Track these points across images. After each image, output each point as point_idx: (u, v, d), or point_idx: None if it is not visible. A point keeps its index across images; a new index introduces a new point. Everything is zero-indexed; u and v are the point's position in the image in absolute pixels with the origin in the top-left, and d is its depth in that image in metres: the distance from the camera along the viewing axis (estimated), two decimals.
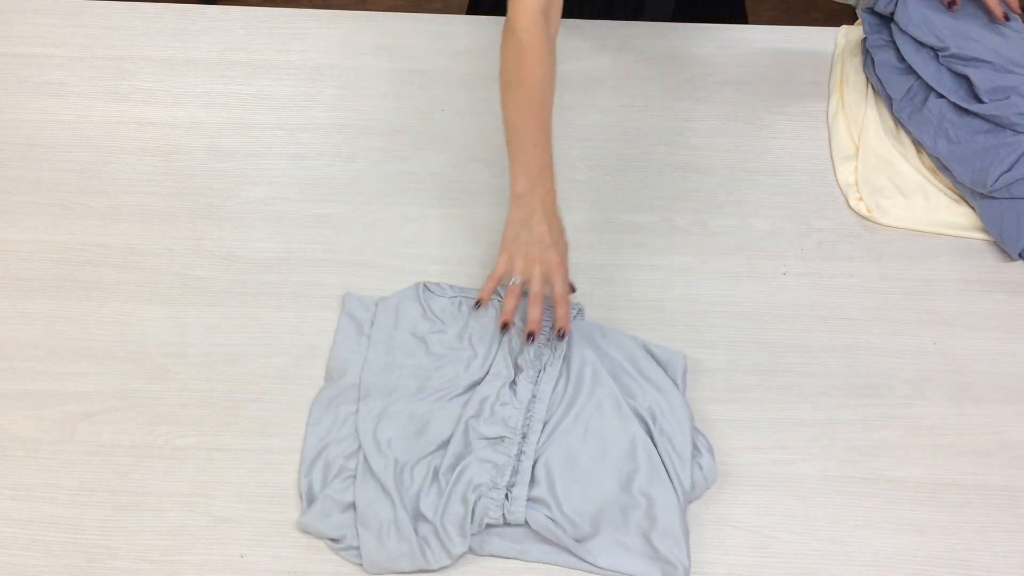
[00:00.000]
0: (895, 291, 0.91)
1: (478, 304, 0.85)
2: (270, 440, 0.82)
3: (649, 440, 0.79)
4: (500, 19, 1.12)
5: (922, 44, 1.01)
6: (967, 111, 0.96)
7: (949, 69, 0.99)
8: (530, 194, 0.83)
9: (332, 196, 0.98)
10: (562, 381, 0.83)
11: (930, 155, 0.99)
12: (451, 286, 0.89)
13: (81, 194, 0.97)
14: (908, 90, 1.02)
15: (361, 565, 0.75)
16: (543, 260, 0.83)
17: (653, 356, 0.85)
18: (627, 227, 0.96)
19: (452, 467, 0.77)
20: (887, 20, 1.04)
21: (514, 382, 0.82)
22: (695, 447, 0.79)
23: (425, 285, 0.89)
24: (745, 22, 1.19)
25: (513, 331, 0.85)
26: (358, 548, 0.75)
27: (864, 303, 0.90)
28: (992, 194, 0.93)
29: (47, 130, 1.03)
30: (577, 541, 0.75)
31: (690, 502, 0.78)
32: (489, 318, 0.86)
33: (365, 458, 0.78)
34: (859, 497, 0.79)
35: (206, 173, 0.99)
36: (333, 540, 0.76)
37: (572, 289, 0.85)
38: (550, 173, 0.84)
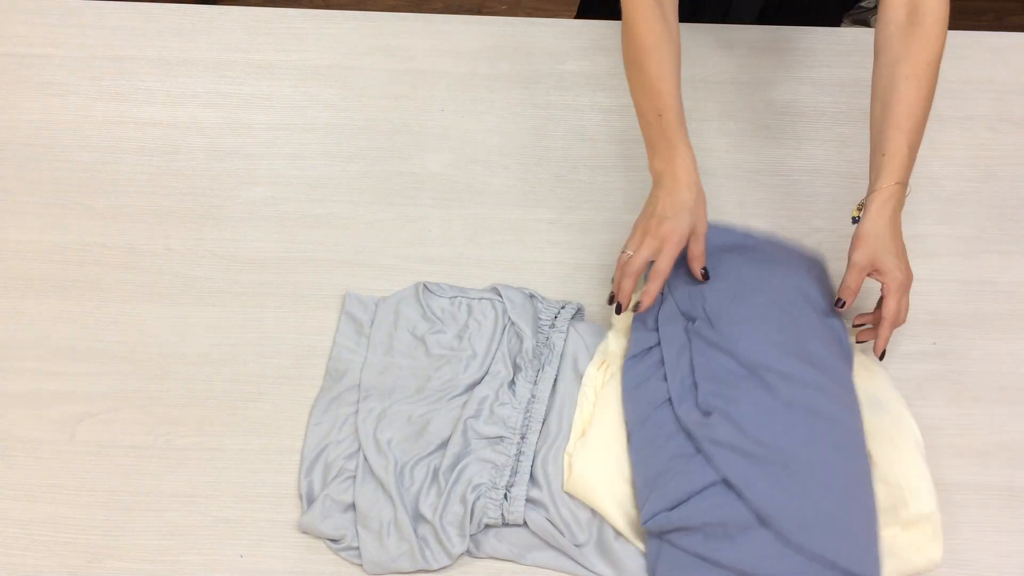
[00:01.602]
0: None
1: (612, 300, 0.81)
2: (270, 440, 0.82)
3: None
4: (501, 19, 1.13)
5: (685, 314, 0.83)
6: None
7: (693, 337, 0.79)
8: (658, 166, 0.81)
9: (332, 196, 0.98)
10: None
11: None
12: (451, 286, 0.89)
13: (81, 194, 0.97)
14: (648, 350, 0.82)
15: (361, 565, 0.75)
16: (656, 234, 0.80)
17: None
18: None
19: (451, 467, 0.77)
20: None
21: (513, 382, 0.82)
22: None
23: (425, 285, 0.89)
24: (837, 24, 1.16)
25: (512, 331, 0.85)
26: (358, 548, 0.75)
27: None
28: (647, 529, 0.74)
29: (47, 130, 1.03)
30: (575, 545, 0.75)
31: None
32: (489, 319, 0.86)
33: (365, 458, 0.78)
34: None
35: (206, 173, 0.99)
36: (333, 540, 0.76)
37: (705, 276, 0.81)
38: (679, 141, 0.80)
